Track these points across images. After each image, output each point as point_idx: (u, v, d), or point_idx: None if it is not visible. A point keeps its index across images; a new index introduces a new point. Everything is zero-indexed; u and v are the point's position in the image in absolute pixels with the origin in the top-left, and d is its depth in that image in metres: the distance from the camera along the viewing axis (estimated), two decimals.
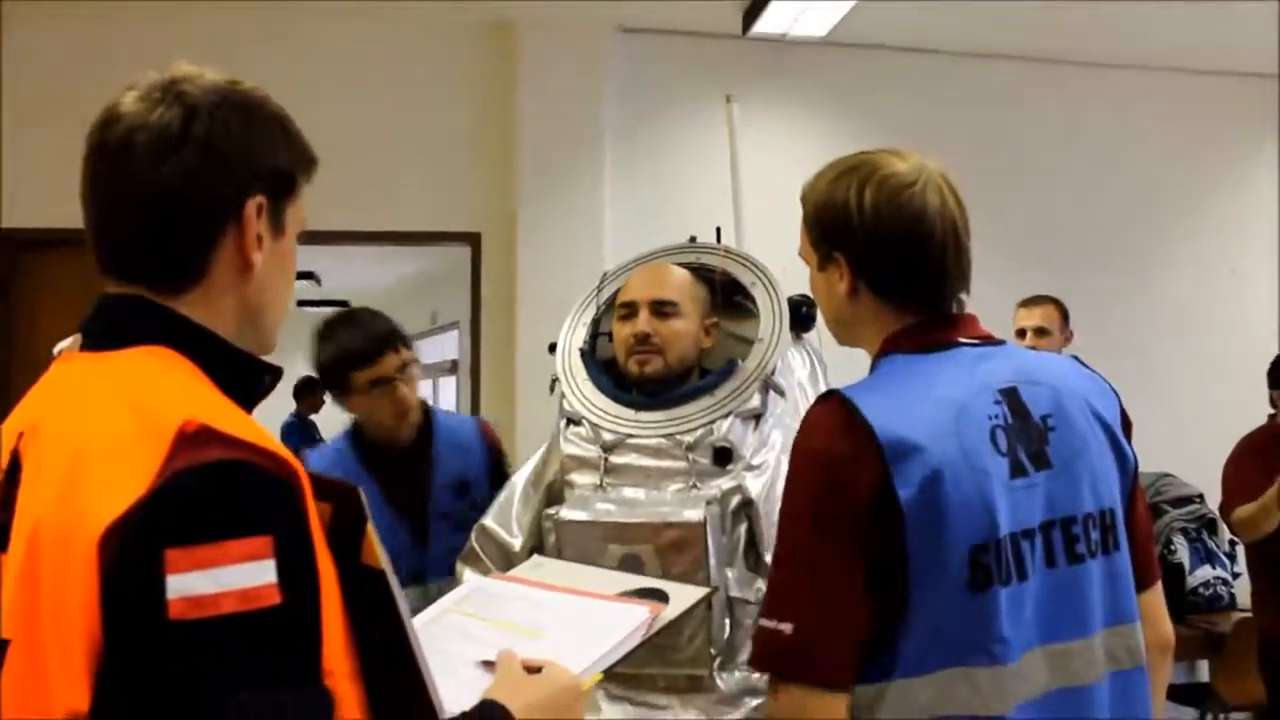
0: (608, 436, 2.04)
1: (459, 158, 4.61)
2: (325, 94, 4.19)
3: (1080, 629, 1.29)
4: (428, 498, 2.51)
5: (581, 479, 2.05)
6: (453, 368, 8.57)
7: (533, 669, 1.17)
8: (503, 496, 2.23)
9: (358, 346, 2.43)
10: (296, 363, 2.32)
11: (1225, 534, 4.58)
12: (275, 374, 1.11)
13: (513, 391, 4.45)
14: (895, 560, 1.20)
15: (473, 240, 4.64)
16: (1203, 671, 4.71)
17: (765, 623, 1.24)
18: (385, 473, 2.50)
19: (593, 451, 2.05)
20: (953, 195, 1.36)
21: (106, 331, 1.02)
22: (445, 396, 8.69)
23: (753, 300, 2.18)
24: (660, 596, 1.38)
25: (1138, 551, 1.40)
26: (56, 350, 1.05)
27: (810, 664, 1.21)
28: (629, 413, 2.06)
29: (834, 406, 1.27)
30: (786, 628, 1.22)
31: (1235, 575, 4.51)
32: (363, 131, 4.35)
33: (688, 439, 1.99)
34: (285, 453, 0.91)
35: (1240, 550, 4.12)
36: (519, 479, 2.23)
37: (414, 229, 4.64)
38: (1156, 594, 1.44)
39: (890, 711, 1.21)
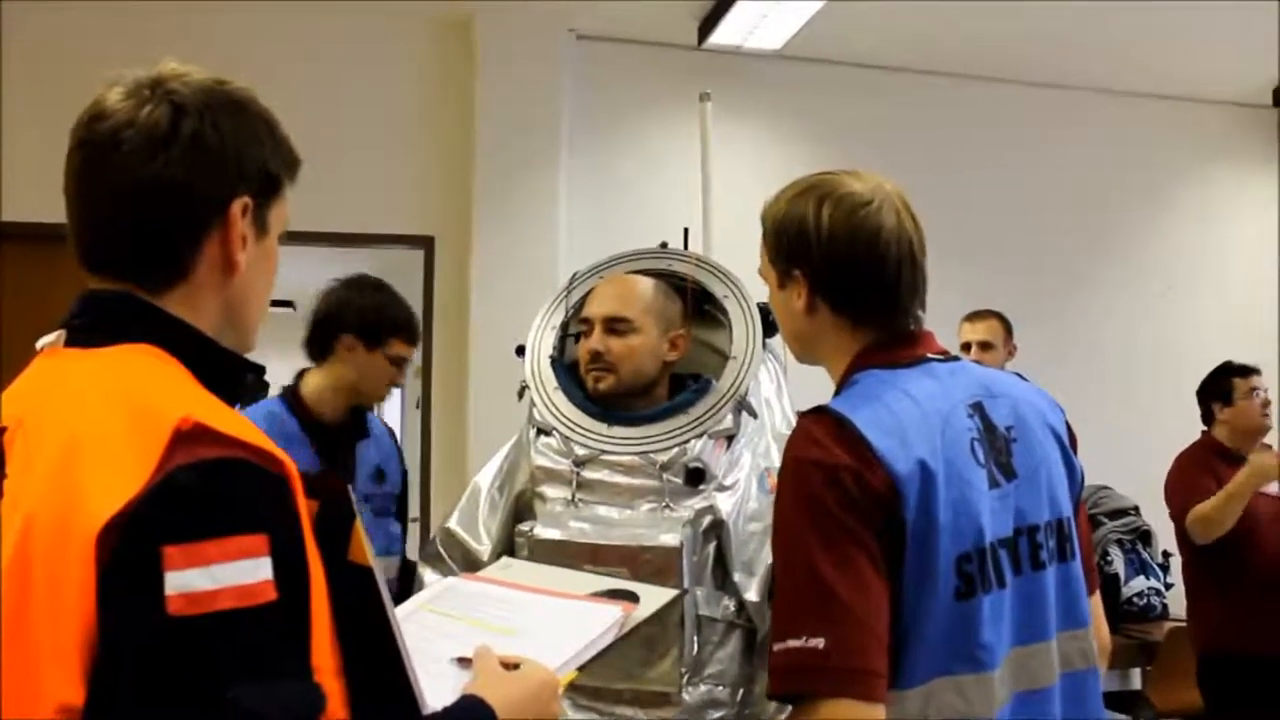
0: (580, 451, 2.01)
1: (414, 159, 4.59)
2: (277, 90, 4.12)
3: (1041, 634, 1.33)
4: (353, 480, 2.49)
5: (552, 492, 2.02)
6: None
7: (510, 665, 1.18)
8: (465, 500, 2.19)
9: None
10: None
11: (1159, 545, 4.70)
12: (258, 372, 1.12)
13: (464, 395, 4.43)
14: (892, 571, 1.21)
15: (426, 243, 4.61)
16: (1135, 680, 4.83)
17: (792, 642, 1.17)
18: (319, 446, 2.49)
19: (564, 465, 2.01)
20: (909, 216, 1.40)
21: (92, 328, 1.01)
22: (391, 397, 8.59)
23: (724, 312, 2.17)
24: (631, 597, 1.40)
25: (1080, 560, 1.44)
26: (39, 345, 1.04)
27: (851, 678, 1.14)
28: (601, 427, 2.02)
29: (827, 421, 1.27)
30: (819, 643, 1.15)
31: (1168, 586, 4.63)
32: (314, 129, 4.27)
33: (662, 458, 1.97)
34: (278, 451, 0.92)
35: (1174, 562, 4.22)
36: (483, 482, 2.19)
37: (366, 230, 4.59)
38: (1096, 602, 1.49)
39: None
